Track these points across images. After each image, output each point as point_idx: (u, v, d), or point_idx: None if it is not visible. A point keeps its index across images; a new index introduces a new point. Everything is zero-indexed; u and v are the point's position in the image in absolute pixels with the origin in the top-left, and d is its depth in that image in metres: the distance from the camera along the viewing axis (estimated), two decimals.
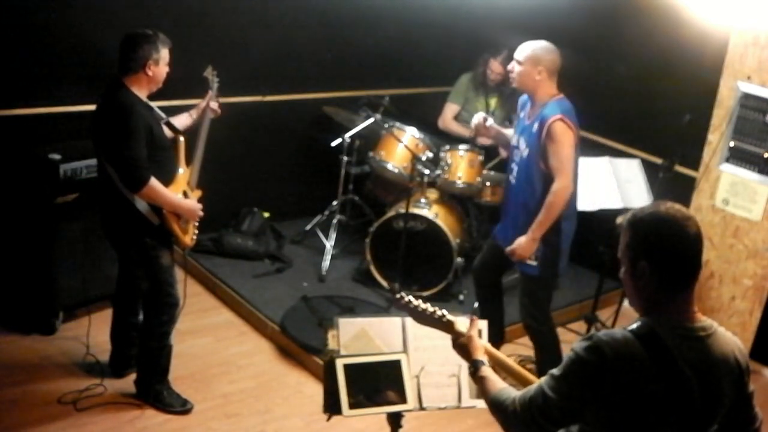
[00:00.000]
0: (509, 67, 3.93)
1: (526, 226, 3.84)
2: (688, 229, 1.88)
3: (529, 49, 3.84)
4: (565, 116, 3.75)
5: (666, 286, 1.90)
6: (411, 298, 2.39)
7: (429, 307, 2.38)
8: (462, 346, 2.29)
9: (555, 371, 1.91)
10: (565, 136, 3.73)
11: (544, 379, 1.95)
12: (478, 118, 4.15)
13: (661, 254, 1.88)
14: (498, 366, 2.30)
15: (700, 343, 1.90)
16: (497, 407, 2.04)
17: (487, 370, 2.18)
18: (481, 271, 4.32)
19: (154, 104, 3.65)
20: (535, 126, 3.80)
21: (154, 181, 3.47)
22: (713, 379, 1.90)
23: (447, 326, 2.35)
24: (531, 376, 2.27)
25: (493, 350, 2.33)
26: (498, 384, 2.11)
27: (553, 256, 3.92)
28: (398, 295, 2.42)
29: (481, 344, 2.29)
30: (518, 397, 1.98)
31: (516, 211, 3.96)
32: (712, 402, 1.92)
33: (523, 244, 3.85)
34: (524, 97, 4.00)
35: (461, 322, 2.36)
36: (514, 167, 3.97)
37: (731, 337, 2.00)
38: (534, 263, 3.92)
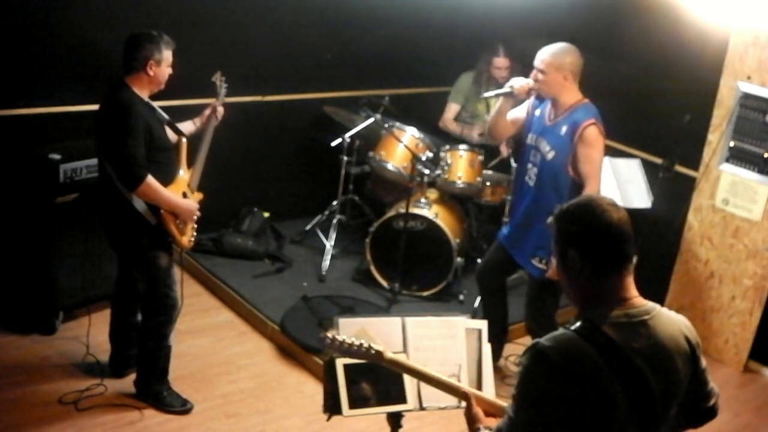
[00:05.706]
0: (531, 76, 3.77)
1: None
2: (609, 213, 1.90)
3: (548, 54, 3.70)
4: (597, 121, 3.68)
5: (598, 272, 1.90)
6: (336, 335, 2.26)
7: (355, 341, 2.26)
8: (468, 417, 2.27)
9: (513, 391, 1.87)
10: (598, 141, 3.66)
11: (507, 404, 1.92)
12: (520, 82, 3.83)
13: (585, 238, 1.90)
14: (498, 413, 2.28)
15: (645, 327, 1.89)
16: None
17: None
18: (485, 273, 4.23)
19: (156, 105, 3.65)
20: (564, 129, 3.69)
21: (151, 179, 3.47)
22: (665, 363, 1.90)
23: (377, 357, 2.28)
24: None
25: (489, 400, 2.32)
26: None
27: None
28: (322, 335, 2.29)
29: (481, 414, 2.25)
30: (494, 427, 1.97)
31: (533, 215, 3.80)
32: (669, 386, 1.91)
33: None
34: (535, 100, 3.88)
35: (391, 351, 2.31)
36: (532, 168, 3.84)
37: (676, 316, 2.00)
38: (544, 267, 3.82)
